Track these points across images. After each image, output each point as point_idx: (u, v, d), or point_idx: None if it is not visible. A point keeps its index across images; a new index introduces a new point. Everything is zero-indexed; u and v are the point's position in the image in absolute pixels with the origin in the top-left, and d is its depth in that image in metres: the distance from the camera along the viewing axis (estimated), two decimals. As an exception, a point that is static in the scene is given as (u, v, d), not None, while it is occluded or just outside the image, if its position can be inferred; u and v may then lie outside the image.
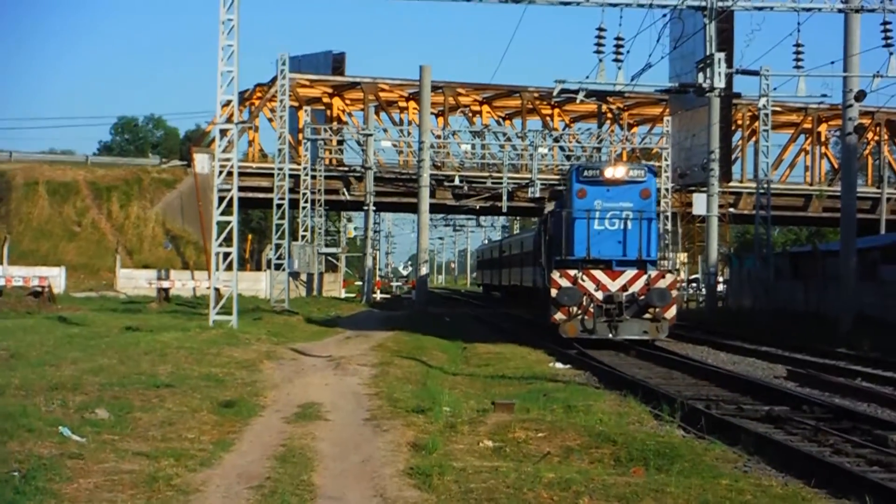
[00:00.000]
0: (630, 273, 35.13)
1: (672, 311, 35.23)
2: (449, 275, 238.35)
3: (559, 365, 30.39)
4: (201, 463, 14.53)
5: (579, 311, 34.65)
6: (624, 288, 34.85)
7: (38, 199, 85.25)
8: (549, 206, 48.21)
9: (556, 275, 35.05)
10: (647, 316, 34.82)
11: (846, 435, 18.29)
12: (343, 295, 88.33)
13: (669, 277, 35.64)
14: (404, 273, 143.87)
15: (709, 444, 16.88)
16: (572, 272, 34.91)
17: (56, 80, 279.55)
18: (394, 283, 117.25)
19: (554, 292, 34.82)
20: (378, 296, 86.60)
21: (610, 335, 34.64)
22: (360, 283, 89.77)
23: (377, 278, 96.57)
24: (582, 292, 34.68)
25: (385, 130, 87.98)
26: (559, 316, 34.77)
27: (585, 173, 36.67)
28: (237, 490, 13.07)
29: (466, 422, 18.02)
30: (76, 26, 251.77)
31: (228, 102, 41.32)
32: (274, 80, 73.36)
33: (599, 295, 34.79)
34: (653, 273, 35.34)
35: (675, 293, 36.27)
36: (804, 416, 20.32)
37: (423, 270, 71.17)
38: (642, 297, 34.74)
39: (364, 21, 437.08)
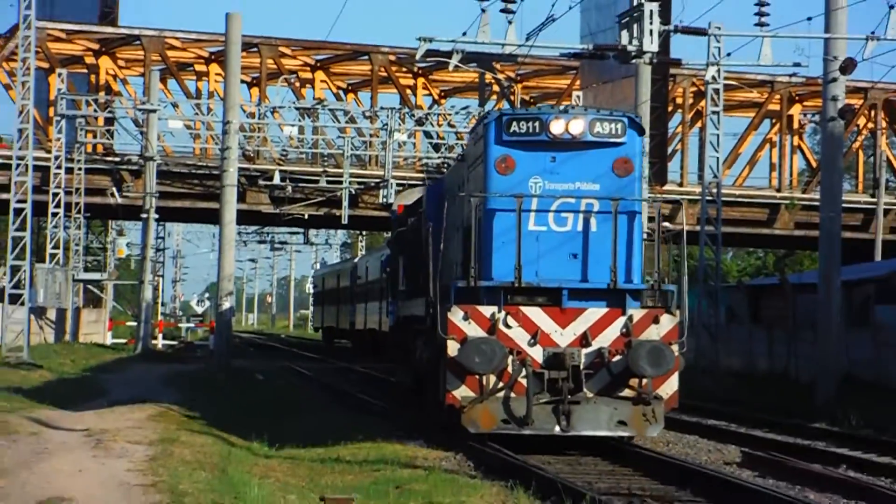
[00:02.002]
0: (595, 312, 26.39)
1: (672, 385, 26.52)
2: (265, 313, 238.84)
3: (419, 443, 30.24)
4: None
5: (501, 385, 25.69)
6: (583, 340, 26.04)
7: None
8: (410, 196, 41.81)
9: (456, 315, 26.02)
10: (627, 392, 26.17)
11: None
12: (110, 341, 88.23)
13: (668, 320, 26.63)
14: (199, 310, 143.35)
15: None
16: (488, 311, 26.11)
17: None
18: (184, 325, 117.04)
19: (454, 348, 25.63)
20: (160, 342, 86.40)
21: (557, 428, 25.80)
22: (134, 323, 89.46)
23: (160, 317, 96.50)
24: (506, 348, 25.59)
25: (175, 105, 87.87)
26: (462, 392, 25.82)
27: (514, 128, 27.23)
28: None
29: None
30: None
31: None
32: (14, 29, 72.72)
33: (538, 353, 25.97)
34: (636, 313, 26.58)
35: (676, 350, 26.54)
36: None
37: (227, 305, 70.90)
38: (618, 358, 25.91)
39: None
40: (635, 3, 37.99)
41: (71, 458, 25.30)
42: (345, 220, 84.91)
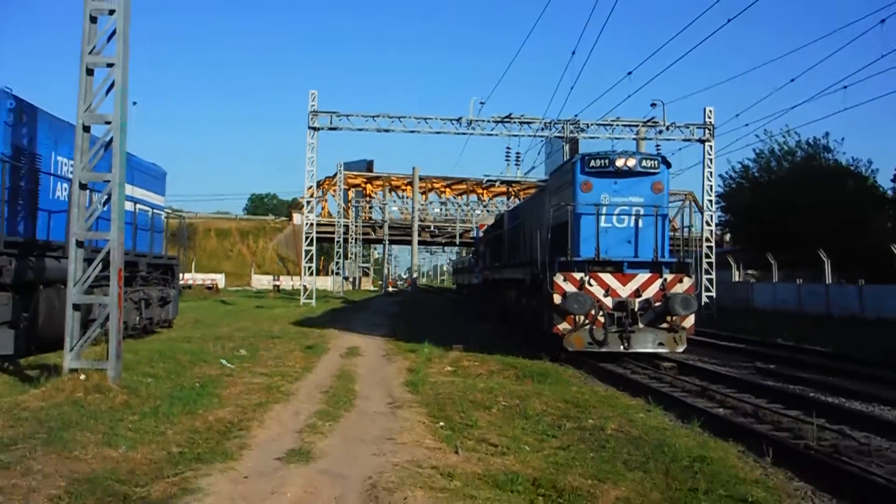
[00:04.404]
0: (643, 276, 18.51)
1: (691, 320, 18.53)
2: (427, 278, 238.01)
3: (484, 325, 29.68)
4: (295, 379, 14.41)
5: (587, 321, 18.15)
6: (636, 293, 18.37)
7: (210, 238, 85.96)
8: (483, 222, 34.11)
9: (559, 278, 18.36)
10: (663, 325, 18.38)
11: (640, 364, 18.41)
12: (372, 289, 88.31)
13: (687, 281, 18.63)
14: (404, 276, 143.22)
15: (566, 369, 16.94)
16: (578, 275, 18.35)
17: (228, 178, 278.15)
18: (399, 282, 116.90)
19: (558, 298, 18.20)
20: (390, 289, 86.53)
21: (621, 347, 18.19)
22: (381, 282, 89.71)
23: (390, 280, 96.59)
24: (591, 298, 18.09)
25: (394, 201, 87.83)
26: (564, 326, 18.20)
27: (592, 164, 19.11)
28: (314, 393, 13.05)
29: (437, 357, 18.00)
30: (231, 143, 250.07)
31: (311, 187, 41.51)
32: (335, 175, 73.31)
33: (609, 302, 18.29)
34: (669, 276, 18.60)
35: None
36: (620, 356, 20.44)
37: (415, 275, 71.10)
38: (658, 304, 18.34)
39: (384, 142, 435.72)
40: (566, 159, 37.52)
41: (357, 335, 25.33)
42: (457, 243, 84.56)
